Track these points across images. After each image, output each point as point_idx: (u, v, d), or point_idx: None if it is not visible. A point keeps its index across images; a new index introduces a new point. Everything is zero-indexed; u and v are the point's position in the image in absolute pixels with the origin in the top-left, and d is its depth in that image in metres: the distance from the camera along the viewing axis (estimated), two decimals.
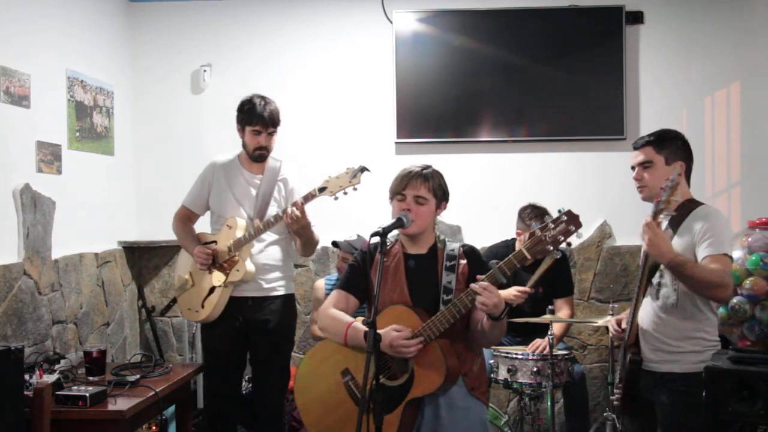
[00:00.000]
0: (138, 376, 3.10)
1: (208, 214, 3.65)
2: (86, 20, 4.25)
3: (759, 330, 3.76)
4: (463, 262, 2.57)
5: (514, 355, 3.58)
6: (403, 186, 2.58)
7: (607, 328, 3.00)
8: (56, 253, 3.75)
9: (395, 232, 2.64)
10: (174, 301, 3.71)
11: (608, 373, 2.96)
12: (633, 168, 2.80)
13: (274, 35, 4.82)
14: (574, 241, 4.63)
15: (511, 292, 3.70)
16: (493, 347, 3.64)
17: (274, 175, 3.49)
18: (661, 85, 4.66)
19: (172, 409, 3.58)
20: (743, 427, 2.43)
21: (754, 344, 3.77)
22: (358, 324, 2.56)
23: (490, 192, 4.69)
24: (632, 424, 2.87)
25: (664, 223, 2.76)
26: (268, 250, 3.45)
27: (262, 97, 3.50)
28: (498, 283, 2.37)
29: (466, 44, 4.66)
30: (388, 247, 2.66)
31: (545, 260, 3.74)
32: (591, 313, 4.60)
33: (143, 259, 4.81)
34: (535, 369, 3.51)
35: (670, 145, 2.74)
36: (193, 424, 3.87)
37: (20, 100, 3.49)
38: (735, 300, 3.76)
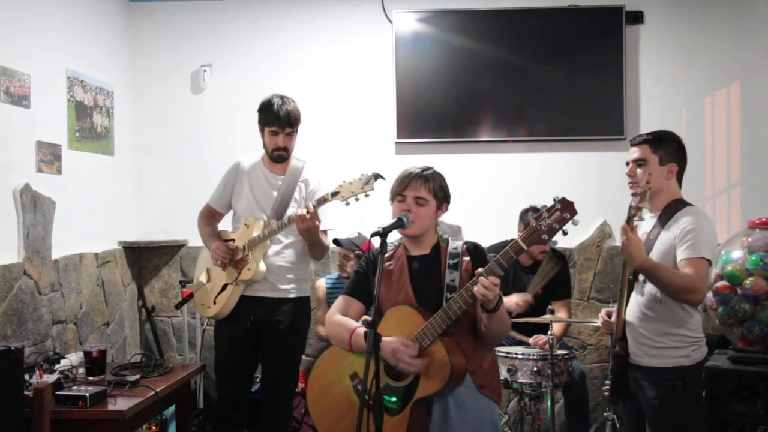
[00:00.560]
0: (138, 376, 3.10)
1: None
2: (86, 20, 4.25)
3: (759, 330, 3.76)
4: (466, 259, 2.57)
5: (514, 355, 3.58)
6: (403, 187, 2.58)
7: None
8: (56, 253, 3.75)
9: (398, 236, 2.64)
10: (191, 296, 3.71)
11: (608, 372, 2.97)
12: (627, 164, 2.83)
13: (274, 35, 4.82)
14: (575, 241, 4.68)
15: (513, 300, 3.71)
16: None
17: (296, 176, 3.46)
18: (661, 85, 4.66)
19: (172, 409, 3.58)
20: (743, 427, 2.44)
21: (754, 344, 3.77)
22: (361, 329, 2.55)
23: (490, 192, 4.69)
24: (626, 416, 2.92)
25: (652, 222, 2.79)
26: (284, 252, 3.42)
27: (282, 97, 3.47)
28: (497, 276, 2.36)
29: (466, 44, 4.65)
30: (392, 251, 2.66)
31: (546, 267, 3.76)
32: (591, 313, 4.60)
33: (143, 259, 4.81)
34: (535, 369, 3.51)
35: (666, 146, 2.78)
36: (193, 424, 3.88)
37: (20, 100, 3.49)
38: (735, 300, 3.76)
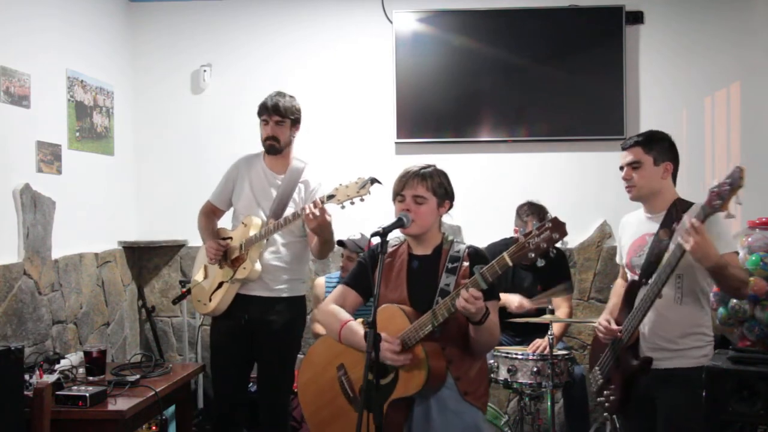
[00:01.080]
0: (138, 376, 3.10)
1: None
2: (86, 20, 4.25)
3: (759, 330, 3.76)
4: (466, 264, 2.56)
5: (514, 355, 3.58)
6: (401, 186, 2.58)
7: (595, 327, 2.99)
8: (56, 253, 3.75)
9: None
10: (189, 292, 3.72)
11: (589, 372, 2.95)
12: (621, 168, 2.81)
13: (274, 35, 4.82)
14: (574, 241, 4.68)
15: (515, 302, 3.71)
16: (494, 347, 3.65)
17: (296, 177, 3.46)
18: (661, 85, 4.66)
19: (172, 409, 3.58)
20: (743, 427, 2.43)
21: (754, 344, 3.77)
22: (353, 324, 2.56)
23: (490, 192, 4.69)
24: (629, 424, 2.88)
25: (650, 223, 2.77)
26: (280, 252, 3.43)
27: (278, 92, 3.52)
28: (479, 289, 2.36)
29: (466, 44, 4.65)
30: (396, 247, 2.67)
31: (558, 289, 3.79)
32: (591, 313, 4.60)
33: (143, 259, 4.81)
34: (535, 369, 3.51)
35: (658, 146, 2.76)
36: (193, 424, 3.88)
37: (20, 100, 3.49)
38: (735, 300, 3.76)
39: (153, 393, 2.95)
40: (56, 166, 3.82)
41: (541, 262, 2.30)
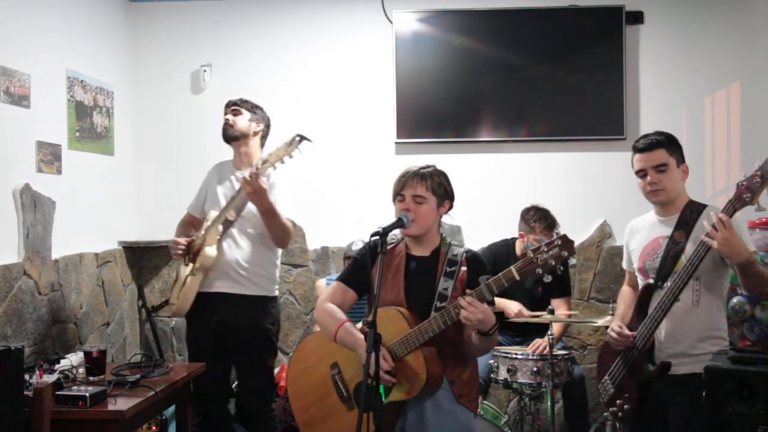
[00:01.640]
0: (138, 376, 3.10)
1: None
2: (86, 20, 4.25)
3: (759, 330, 3.76)
4: (464, 269, 2.56)
5: (514, 355, 3.58)
6: (401, 186, 2.58)
7: (607, 327, 2.99)
8: (56, 253, 3.75)
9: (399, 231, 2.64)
10: (167, 300, 3.77)
11: (599, 381, 2.92)
12: (641, 171, 2.71)
13: (274, 35, 4.82)
14: (574, 241, 4.66)
15: (514, 310, 3.72)
16: (494, 347, 3.64)
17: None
18: (661, 85, 4.66)
19: (172, 409, 3.58)
20: (743, 427, 2.43)
21: (754, 344, 3.77)
22: (350, 326, 2.56)
23: (490, 192, 4.69)
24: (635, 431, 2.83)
25: (662, 226, 2.75)
26: (241, 245, 3.48)
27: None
28: (484, 300, 2.36)
29: (466, 44, 4.65)
30: (393, 245, 2.67)
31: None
32: (591, 313, 4.60)
33: (143, 259, 4.81)
34: (535, 369, 3.51)
35: (678, 148, 2.73)
36: (194, 424, 3.87)
37: (20, 100, 3.49)
38: (735, 300, 3.76)
39: (153, 393, 2.94)
40: (56, 166, 3.82)
41: (547, 278, 2.32)
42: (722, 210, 2.45)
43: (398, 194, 2.59)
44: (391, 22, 4.68)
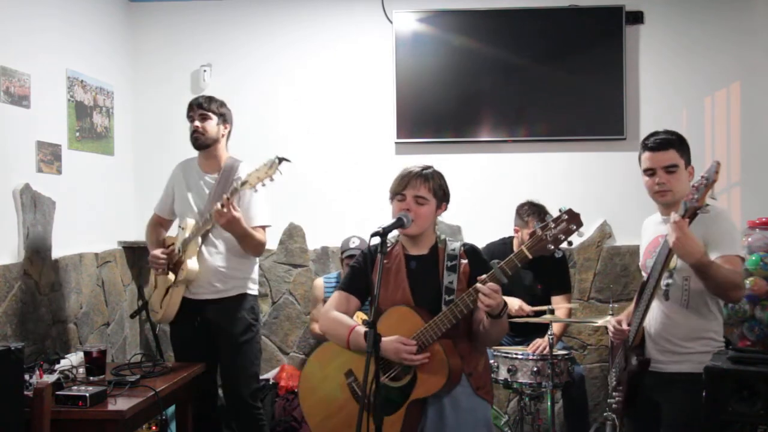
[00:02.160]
0: (138, 376, 3.10)
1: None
2: (86, 20, 4.25)
3: (759, 330, 3.76)
4: (464, 261, 2.58)
5: (514, 355, 3.59)
6: (402, 186, 2.58)
7: (606, 327, 3.00)
8: (56, 253, 3.75)
9: (396, 233, 2.64)
10: (146, 304, 3.78)
11: (608, 373, 2.96)
12: (650, 170, 2.69)
13: (274, 35, 4.82)
14: (575, 240, 4.66)
15: (515, 306, 3.73)
16: (494, 347, 3.65)
17: (230, 175, 3.52)
18: (661, 85, 4.66)
19: (172, 409, 3.58)
20: (743, 427, 2.43)
21: (754, 344, 3.78)
22: (360, 328, 2.56)
23: (490, 192, 4.69)
24: (633, 426, 2.86)
25: (663, 225, 2.76)
26: (220, 250, 3.50)
27: (206, 95, 3.63)
28: (499, 283, 2.38)
29: (466, 44, 4.65)
30: (389, 249, 2.66)
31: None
32: (591, 313, 4.60)
33: (143, 259, 4.80)
34: (535, 369, 3.51)
35: (687, 149, 2.72)
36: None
37: (20, 100, 3.49)
38: None
39: (153, 393, 2.94)
40: (56, 166, 3.82)
41: (558, 254, 2.34)
42: (677, 212, 2.46)
43: (398, 194, 2.59)
44: (391, 22, 4.68)
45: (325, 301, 4.24)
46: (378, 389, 2.22)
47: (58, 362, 3.16)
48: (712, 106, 4.66)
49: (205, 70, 4.77)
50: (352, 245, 4.07)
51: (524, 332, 3.89)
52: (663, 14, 4.66)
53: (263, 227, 3.51)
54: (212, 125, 3.53)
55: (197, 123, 3.52)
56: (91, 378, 3.09)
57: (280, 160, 3.15)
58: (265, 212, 3.52)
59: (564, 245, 2.36)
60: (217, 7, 4.84)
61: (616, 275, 4.63)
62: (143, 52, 4.85)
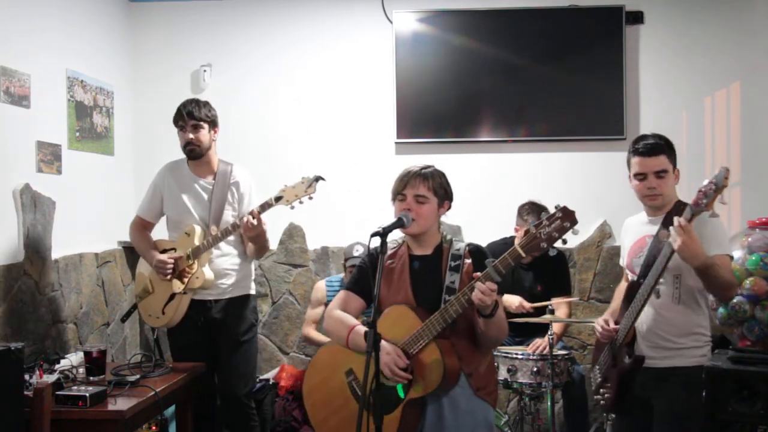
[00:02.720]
0: (138, 376, 3.10)
1: (163, 220, 3.72)
2: (86, 20, 4.25)
3: (759, 330, 3.76)
4: (468, 261, 2.57)
5: (514, 355, 3.59)
6: (402, 186, 2.58)
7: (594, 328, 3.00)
8: (56, 253, 3.75)
9: (401, 234, 2.64)
10: (135, 307, 3.76)
11: (599, 379, 2.96)
12: (640, 174, 2.74)
13: (274, 35, 4.82)
14: (574, 240, 4.67)
15: (515, 303, 3.73)
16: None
17: (226, 180, 3.54)
18: (661, 85, 4.66)
19: (172, 409, 3.58)
20: (743, 427, 2.44)
21: (754, 344, 3.77)
22: (360, 328, 2.57)
23: (490, 192, 4.69)
24: (623, 423, 2.89)
25: (650, 225, 2.78)
26: (226, 255, 3.52)
27: (192, 99, 3.60)
28: (493, 281, 2.37)
29: (466, 44, 4.65)
30: (395, 249, 2.67)
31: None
32: (591, 313, 4.60)
33: None
34: (535, 369, 3.51)
35: (674, 153, 2.79)
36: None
37: (20, 100, 3.49)
38: (735, 300, 3.76)
39: (153, 393, 2.94)
40: (56, 166, 3.82)
41: (552, 252, 2.32)
42: (682, 215, 2.50)
43: (399, 194, 2.59)
44: (391, 22, 4.68)
45: (326, 305, 4.24)
46: (378, 389, 2.22)
47: (58, 362, 3.16)
48: (712, 106, 4.66)
49: (205, 70, 4.77)
50: (355, 253, 4.06)
51: (524, 332, 3.89)
52: (663, 14, 4.66)
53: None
54: (205, 134, 3.51)
55: (191, 135, 3.48)
56: (91, 378, 3.09)
57: (318, 179, 3.17)
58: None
59: (559, 244, 2.34)
60: (217, 7, 4.84)
61: (616, 275, 4.62)
62: (143, 52, 4.85)
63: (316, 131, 4.79)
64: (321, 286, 4.31)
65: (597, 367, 2.92)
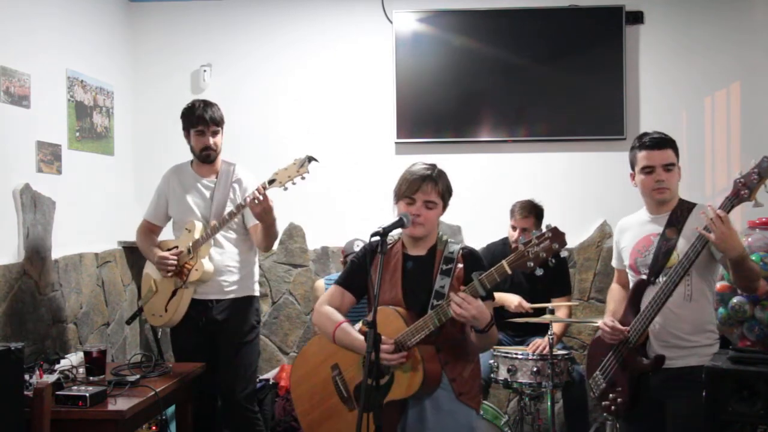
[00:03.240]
0: (138, 376, 3.10)
1: (170, 225, 3.74)
2: (86, 20, 4.25)
3: (759, 330, 3.76)
4: (460, 266, 2.56)
5: (514, 355, 3.58)
6: (413, 190, 2.54)
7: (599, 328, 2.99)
8: (56, 253, 3.75)
9: (398, 231, 2.64)
10: (141, 310, 3.77)
11: (591, 377, 2.93)
12: (648, 168, 2.73)
13: (274, 35, 4.82)
14: (574, 240, 4.67)
15: (514, 302, 3.72)
16: (494, 347, 3.65)
17: (228, 178, 3.56)
18: (661, 85, 4.66)
19: (172, 409, 3.58)
20: (743, 427, 2.43)
21: (754, 344, 3.77)
22: (347, 326, 2.58)
23: (490, 192, 4.69)
24: (631, 428, 2.85)
25: (653, 224, 2.77)
26: (227, 250, 3.52)
27: (203, 101, 3.59)
28: (477, 296, 2.36)
29: (466, 44, 4.65)
30: (390, 246, 2.66)
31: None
32: (591, 313, 4.60)
33: (143, 259, 4.78)
34: (535, 369, 3.51)
35: (677, 150, 2.79)
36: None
37: (20, 100, 3.49)
38: (735, 300, 3.76)
39: (153, 393, 2.94)
40: (56, 166, 3.82)
41: (539, 271, 2.30)
42: (720, 206, 2.49)
43: (408, 197, 2.56)
44: (391, 22, 4.68)
45: None
46: (370, 390, 2.22)
47: (58, 362, 3.16)
48: (712, 106, 4.66)
49: (205, 70, 4.77)
50: (356, 248, 4.06)
51: (524, 332, 3.89)
52: (663, 14, 4.66)
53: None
54: (220, 138, 3.57)
55: (211, 139, 3.50)
56: (91, 378, 3.09)
57: (310, 159, 3.17)
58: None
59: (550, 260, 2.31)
60: (217, 7, 4.84)
61: None
62: (143, 52, 4.85)
63: (316, 131, 4.79)
64: (320, 285, 4.31)
65: (599, 373, 2.86)
